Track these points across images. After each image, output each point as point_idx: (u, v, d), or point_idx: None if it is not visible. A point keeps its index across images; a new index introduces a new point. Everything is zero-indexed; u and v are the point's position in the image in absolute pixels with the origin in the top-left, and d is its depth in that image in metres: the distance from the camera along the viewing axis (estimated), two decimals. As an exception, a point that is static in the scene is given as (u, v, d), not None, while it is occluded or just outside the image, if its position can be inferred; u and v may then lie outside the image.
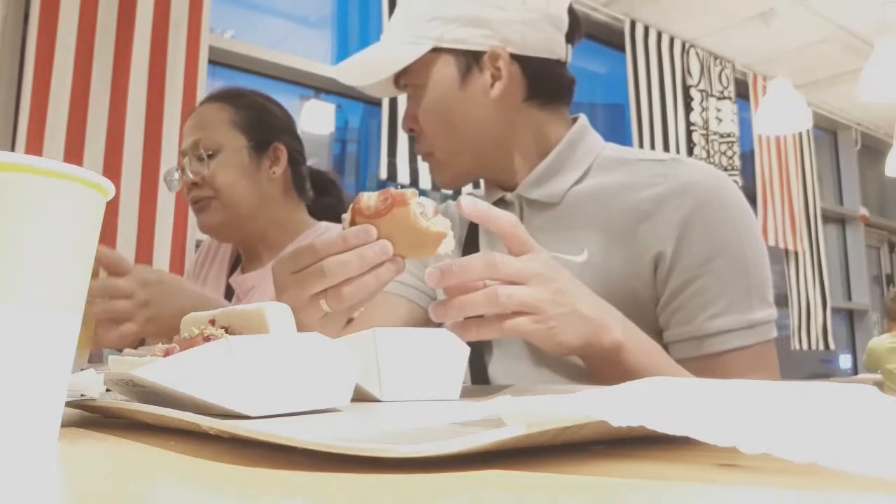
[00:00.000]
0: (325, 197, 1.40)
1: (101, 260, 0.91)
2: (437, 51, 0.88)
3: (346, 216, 0.63)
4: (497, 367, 0.91)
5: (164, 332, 0.94)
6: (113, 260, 0.92)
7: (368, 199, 0.61)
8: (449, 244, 0.61)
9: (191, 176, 1.22)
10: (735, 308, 0.78)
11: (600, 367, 0.69)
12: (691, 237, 0.79)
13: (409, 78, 0.91)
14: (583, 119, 0.95)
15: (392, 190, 0.61)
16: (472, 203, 0.61)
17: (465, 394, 0.62)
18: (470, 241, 0.98)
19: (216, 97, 1.31)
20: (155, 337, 0.97)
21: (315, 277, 0.60)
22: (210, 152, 1.22)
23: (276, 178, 1.28)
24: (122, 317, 0.91)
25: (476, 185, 1.10)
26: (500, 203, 0.94)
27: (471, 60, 0.89)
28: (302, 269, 0.61)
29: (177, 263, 2.26)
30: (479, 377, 0.92)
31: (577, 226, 0.86)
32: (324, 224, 1.32)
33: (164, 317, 0.93)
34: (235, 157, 1.24)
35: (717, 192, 0.81)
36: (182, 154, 1.26)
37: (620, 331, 0.67)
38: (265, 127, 1.28)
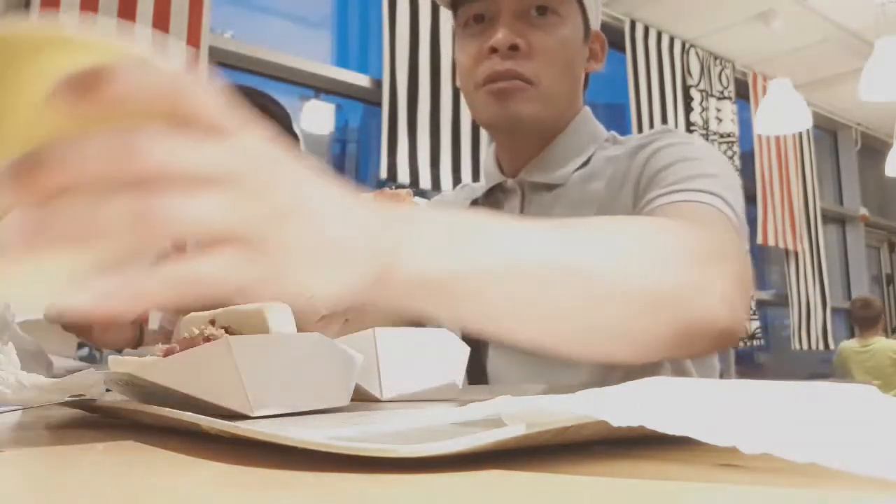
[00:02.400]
0: None
1: None
2: (581, 1, 0.89)
3: None
4: (496, 363, 0.90)
5: None
6: None
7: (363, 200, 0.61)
8: None
9: None
10: (680, 184, 0.71)
11: (428, 305, 0.39)
12: (657, 158, 0.79)
13: (547, 1, 0.87)
14: (587, 108, 0.96)
15: (387, 190, 0.61)
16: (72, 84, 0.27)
17: (465, 394, 0.62)
18: None
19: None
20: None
21: None
22: None
23: None
24: None
25: (476, 179, 1.09)
26: (499, 188, 0.94)
27: (587, 28, 0.92)
28: None
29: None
30: (477, 374, 0.91)
31: (579, 203, 0.87)
32: None
33: None
34: None
35: (685, 134, 0.84)
36: None
37: (428, 249, 0.37)
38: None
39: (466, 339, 0.91)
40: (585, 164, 0.90)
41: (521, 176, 0.92)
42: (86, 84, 0.27)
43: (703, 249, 0.55)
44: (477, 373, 0.91)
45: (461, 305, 0.40)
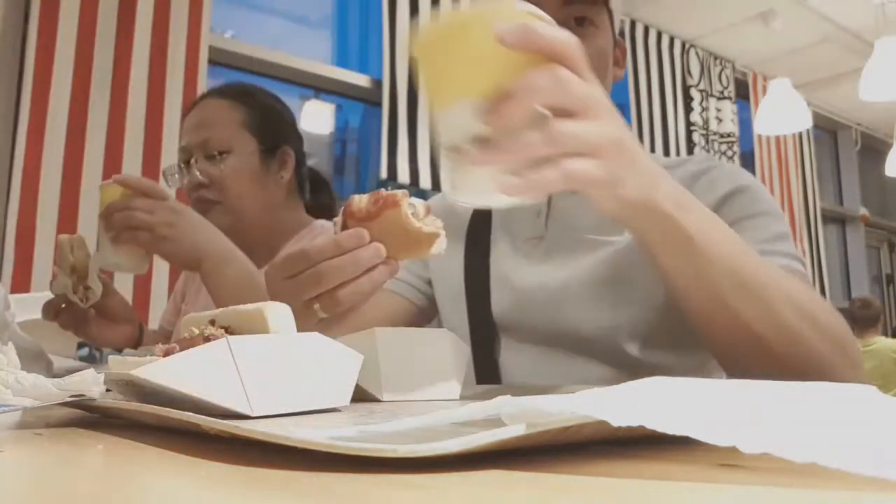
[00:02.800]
0: (319, 195, 1.37)
1: (137, 186, 0.94)
2: (608, 12, 0.89)
3: (338, 219, 0.62)
4: (508, 359, 0.91)
5: (176, 257, 0.96)
6: (143, 185, 0.95)
7: (360, 201, 0.61)
8: (442, 244, 0.61)
9: (199, 176, 1.17)
10: (776, 241, 0.77)
11: (661, 237, 0.58)
12: (734, 203, 0.81)
13: (587, 12, 0.87)
14: None
15: (383, 191, 0.60)
16: (518, 32, 0.47)
17: (468, 393, 0.62)
18: (476, 226, 0.98)
19: (225, 93, 1.24)
20: (165, 256, 0.97)
21: (309, 283, 0.60)
22: (220, 153, 1.17)
23: (283, 183, 1.24)
24: (141, 226, 0.92)
25: None
26: None
27: (614, 36, 0.91)
28: (295, 275, 0.61)
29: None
30: (489, 371, 0.91)
31: None
32: (319, 223, 1.28)
33: (180, 242, 0.94)
34: (246, 162, 1.19)
35: (749, 177, 0.86)
36: (185, 150, 1.20)
37: (676, 187, 0.57)
38: (276, 130, 1.24)
39: (478, 336, 0.92)
40: None
41: None
42: (528, 33, 0.47)
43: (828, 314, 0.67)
44: (488, 370, 0.91)
45: (678, 247, 0.58)
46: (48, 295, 1.03)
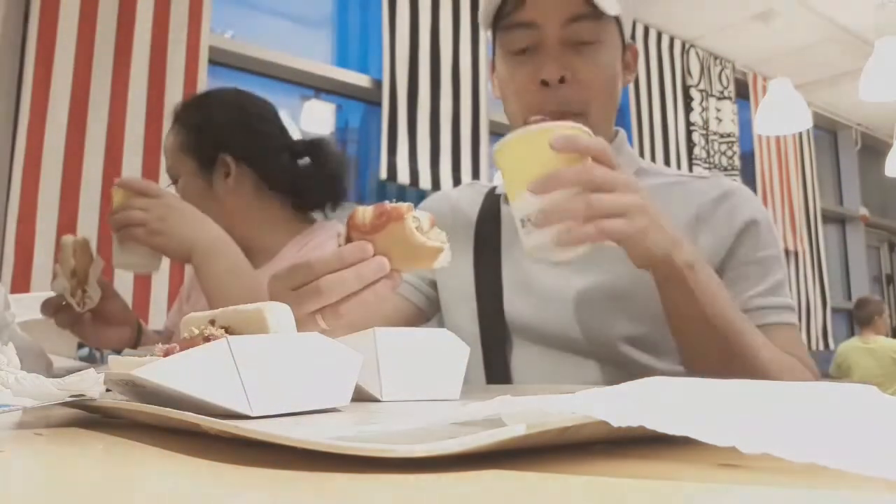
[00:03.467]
0: (320, 168, 1.27)
1: (134, 187, 0.98)
2: (616, 20, 0.89)
3: (342, 231, 0.62)
4: (520, 359, 0.91)
5: (168, 249, 0.98)
6: (140, 185, 0.99)
7: (363, 214, 0.61)
8: (446, 257, 0.61)
9: None
10: (773, 292, 0.87)
11: (672, 287, 0.72)
12: (746, 239, 0.88)
13: (590, 30, 0.87)
14: (623, 133, 0.98)
15: (387, 204, 0.60)
16: (564, 140, 0.66)
17: (468, 393, 0.62)
18: (484, 227, 0.98)
19: (175, 116, 1.25)
20: (159, 249, 0.99)
21: (312, 295, 0.60)
22: (175, 181, 1.20)
23: (237, 189, 1.19)
24: (136, 222, 0.96)
25: (475, 179, 1.11)
26: None
27: (624, 43, 0.92)
28: (298, 287, 0.61)
29: (177, 262, 2.26)
30: (500, 372, 0.91)
31: None
32: (319, 224, 1.26)
33: (170, 235, 0.96)
34: (190, 183, 1.19)
35: (761, 208, 0.94)
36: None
37: (691, 252, 0.72)
38: (206, 141, 1.20)
39: (489, 337, 0.93)
40: None
41: None
42: (571, 141, 0.66)
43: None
44: (500, 370, 0.91)
45: (683, 296, 0.72)
46: (48, 294, 1.04)
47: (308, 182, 1.25)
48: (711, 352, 0.74)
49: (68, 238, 1.01)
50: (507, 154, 0.70)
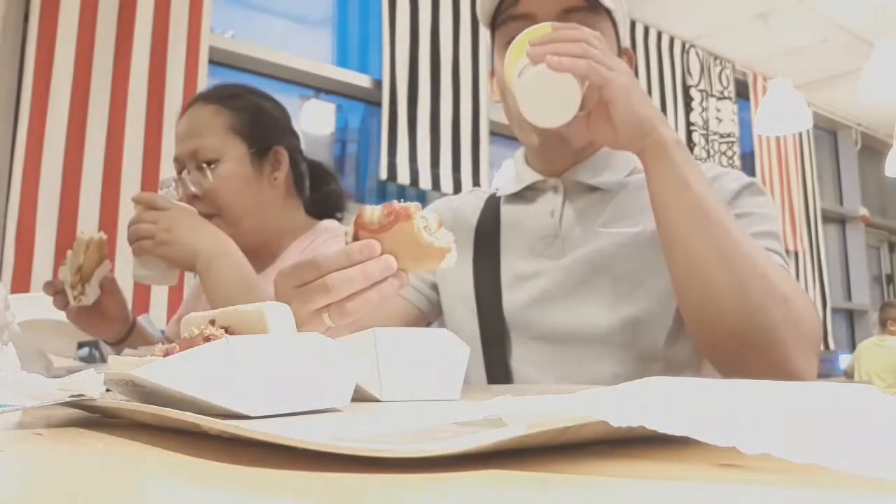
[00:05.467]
0: (324, 188, 1.32)
1: (144, 201, 1.03)
2: (612, 22, 0.90)
3: (349, 230, 0.62)
4: (520, 359, 0.91)
5: (173, 258, 1.01)
6: (149, 199, 1.04)
7: (371, 213, 0.61)
8: (453, 258, 0.61)
9: (192, 188, 1.15)
10: (758, 237, 0.84)
11: (661, 165, 0.74)
12: (734, 202, 0.86)
13: (585, 22, 0.84)
14: None
15: (395, 204, 0.60)
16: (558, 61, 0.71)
17: (468, 393, 0.62)
18: (484, 228, 0.98)
19: (210, 98, 1.22)
20: (166, 259, 1.02)
21: (318, 293, 0.60)
22: (210, 162, 1.15)
23: (278, 184, 1.21)
24: (145, 235, 1.01)
25: (476, 179, 1.10)
26: (532, 188, 0.97)
27: (619, 47, 0.93)
28: (305, 284, 0.61)
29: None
30: (501, 372, 0.91)
31: (630, 208, 0.89)
32: (322, 224, 1.26)
33: (175, 245, 0.99)
34: (237, 167, 1.16)
35: (758, 183, 0.93)
36: (177, 161, 1.19)
37: (675, 133, 0.75)
38: (265, 130, 1.21)
39: (489, 338, 0.92)
40: (630, 175, 0.93)
41: (566, 175, 0.94)
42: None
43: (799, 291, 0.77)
44: (500, 370, 0.91)
45: (675, 185, 0.73)
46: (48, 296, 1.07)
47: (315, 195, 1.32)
48: (701, 244, 0.71)
49: (84, 235, 1.04)
50: (509, 57, 0.78)
